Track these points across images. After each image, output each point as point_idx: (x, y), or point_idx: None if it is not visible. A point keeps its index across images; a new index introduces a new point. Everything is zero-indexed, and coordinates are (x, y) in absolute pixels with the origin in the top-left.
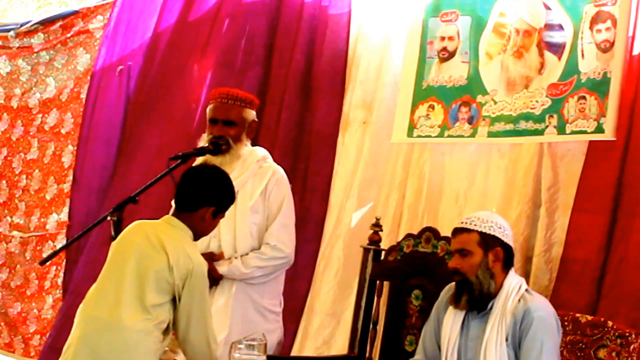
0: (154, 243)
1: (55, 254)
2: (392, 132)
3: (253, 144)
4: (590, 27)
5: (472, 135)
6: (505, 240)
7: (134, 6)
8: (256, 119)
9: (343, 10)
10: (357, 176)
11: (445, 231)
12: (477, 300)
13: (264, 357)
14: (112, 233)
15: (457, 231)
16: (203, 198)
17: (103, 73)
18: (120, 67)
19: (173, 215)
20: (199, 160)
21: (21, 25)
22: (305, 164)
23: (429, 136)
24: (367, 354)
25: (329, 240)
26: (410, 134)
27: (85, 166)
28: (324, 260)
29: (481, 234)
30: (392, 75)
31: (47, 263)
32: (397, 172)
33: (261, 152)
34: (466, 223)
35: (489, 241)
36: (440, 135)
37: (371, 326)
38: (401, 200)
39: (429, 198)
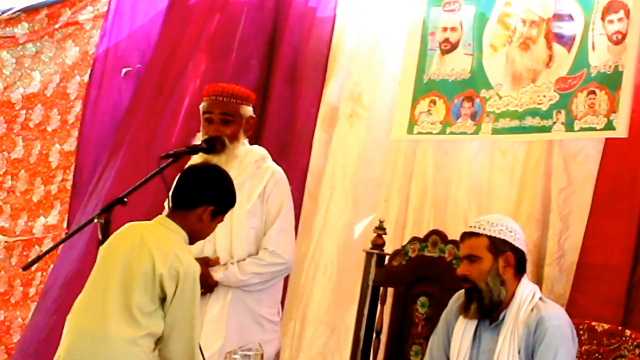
0: (141, 246)
1: (39, 258)
2: (392, 129)
3: (253, 142)
4: (602, 18)
5: (476, 132)
6: (516, 244)
7: None
8: (253, 115)
9: (328, 4)
10: (348, 174)
11: (453, 234)
12: (487, 309)
13: None
14: (100, 237)
15: (465, 236)
16: (202, 196)
17: (104, 71)
18: (128, 68)
19: (167, 216)
20: (193, 159)
21: (2, 13)
22: (287, 158)
23: (430, 133)
24: None
25: (317, 243)
26: (410, 130)
27: (85, 168)
28: (313, 265)
29: (490, 238)
30: (388, 67)
31: (32, 269)
32: (397, 171)
33: (260, 151)
34: (474, 227)
35: (498, 246)
36: (442, 132)
37: (374, 335)
38: (405, 202)
39: (435, 199)
